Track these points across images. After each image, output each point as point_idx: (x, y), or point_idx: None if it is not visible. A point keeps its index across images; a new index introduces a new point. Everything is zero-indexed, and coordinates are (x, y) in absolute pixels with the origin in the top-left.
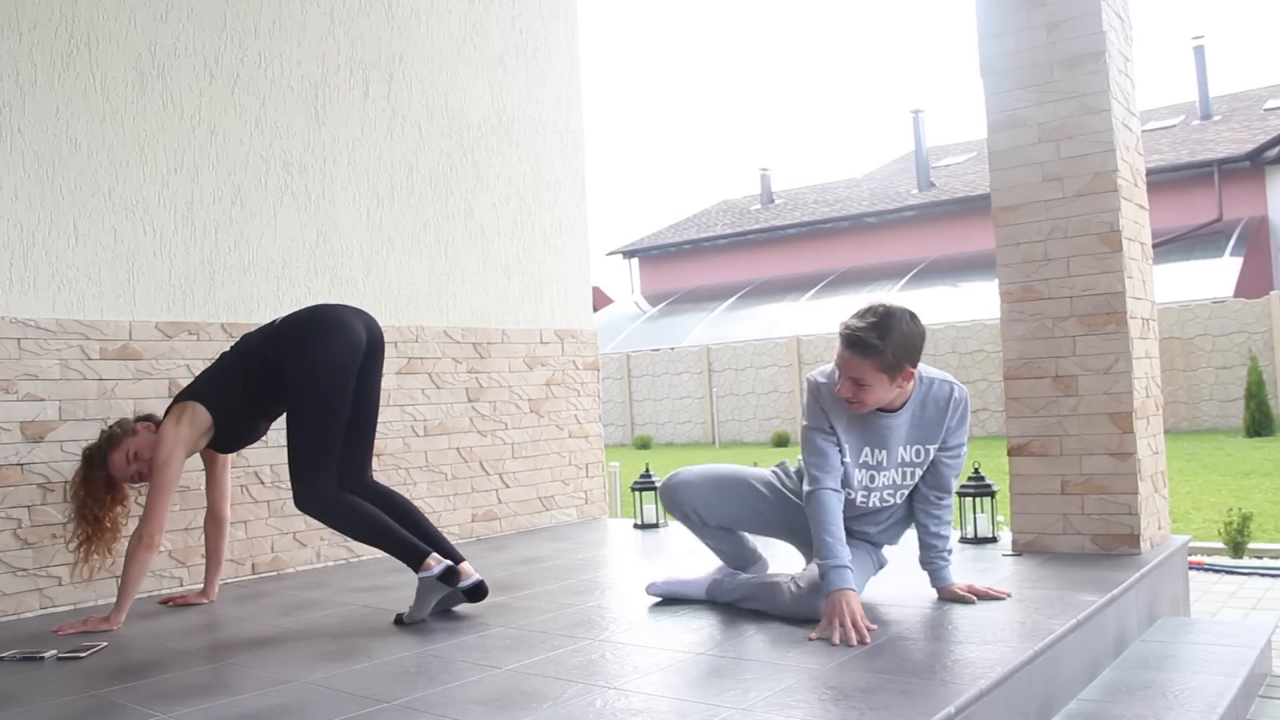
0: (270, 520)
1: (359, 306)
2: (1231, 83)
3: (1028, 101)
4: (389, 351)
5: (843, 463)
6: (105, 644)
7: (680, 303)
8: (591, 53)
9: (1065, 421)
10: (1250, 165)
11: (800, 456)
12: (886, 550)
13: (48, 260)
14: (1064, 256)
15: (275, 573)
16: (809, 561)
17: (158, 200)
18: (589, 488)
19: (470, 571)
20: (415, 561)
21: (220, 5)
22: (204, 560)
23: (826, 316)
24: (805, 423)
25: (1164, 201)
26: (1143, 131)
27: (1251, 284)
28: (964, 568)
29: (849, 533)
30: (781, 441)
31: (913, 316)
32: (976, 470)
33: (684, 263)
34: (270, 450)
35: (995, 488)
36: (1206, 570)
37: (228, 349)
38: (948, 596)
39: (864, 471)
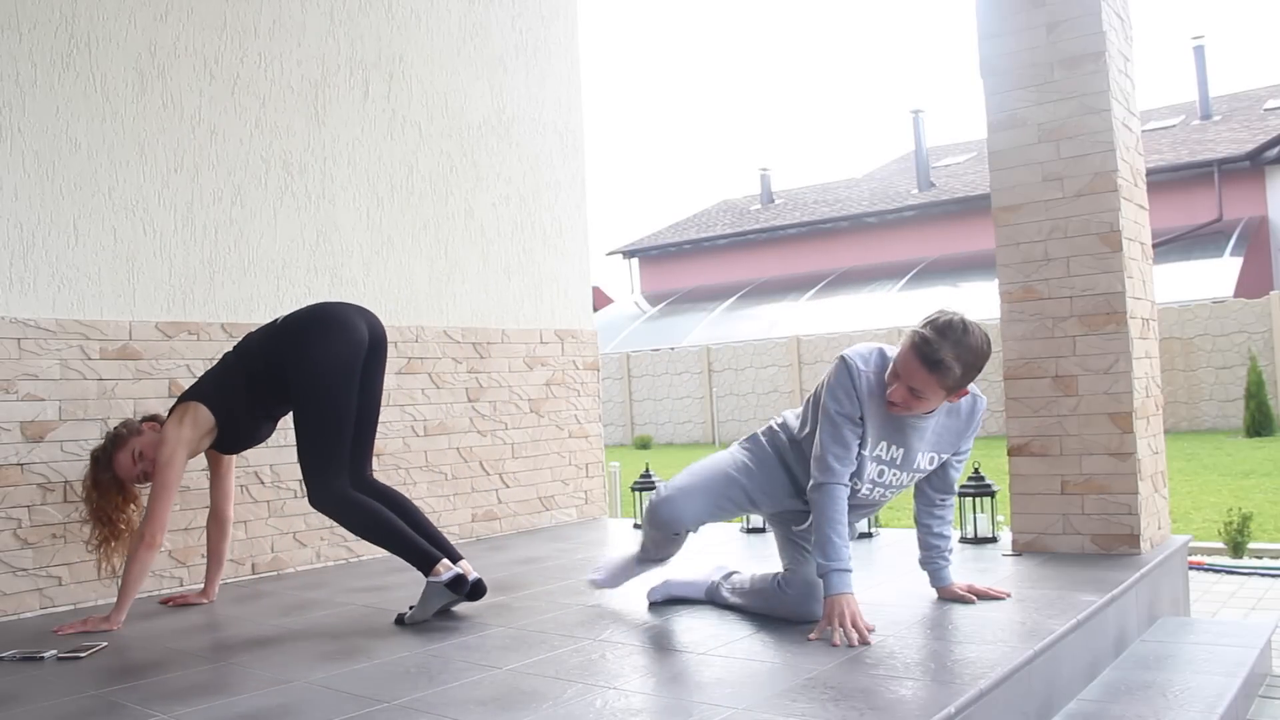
0: (270, 520)
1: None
2: (1231, 83)
3: (1028, 101)
4: (389, 351)
5: (860, 454)
6: (105, 644)
7: (680, 303)
8: (591, 53)
9: (1065, 421)
10: (1250, 165)
11: (799, 419)
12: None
13: (48, 260)
14: (1064, 256)
15: (275, 573)
16: (785, 559)
17: (158, 200)
18: (589, 488)
19: (469, 570)
20: (426, 566)
21: (220, 5)
22: (204, 560)
23: (826, 316)
24: (835, 407)
25: (1164, 201)
26: (1143, 131)
27: (1251, 284)
28: (964, 568)
29: None
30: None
31: (987, 337)
32: (976, 470)
33: (684, 263)
34: (270, 450)
35: (995, 488)
36: (1206, 570)
37: (230, 350)
38: (948, 596)
39: (876, 465)
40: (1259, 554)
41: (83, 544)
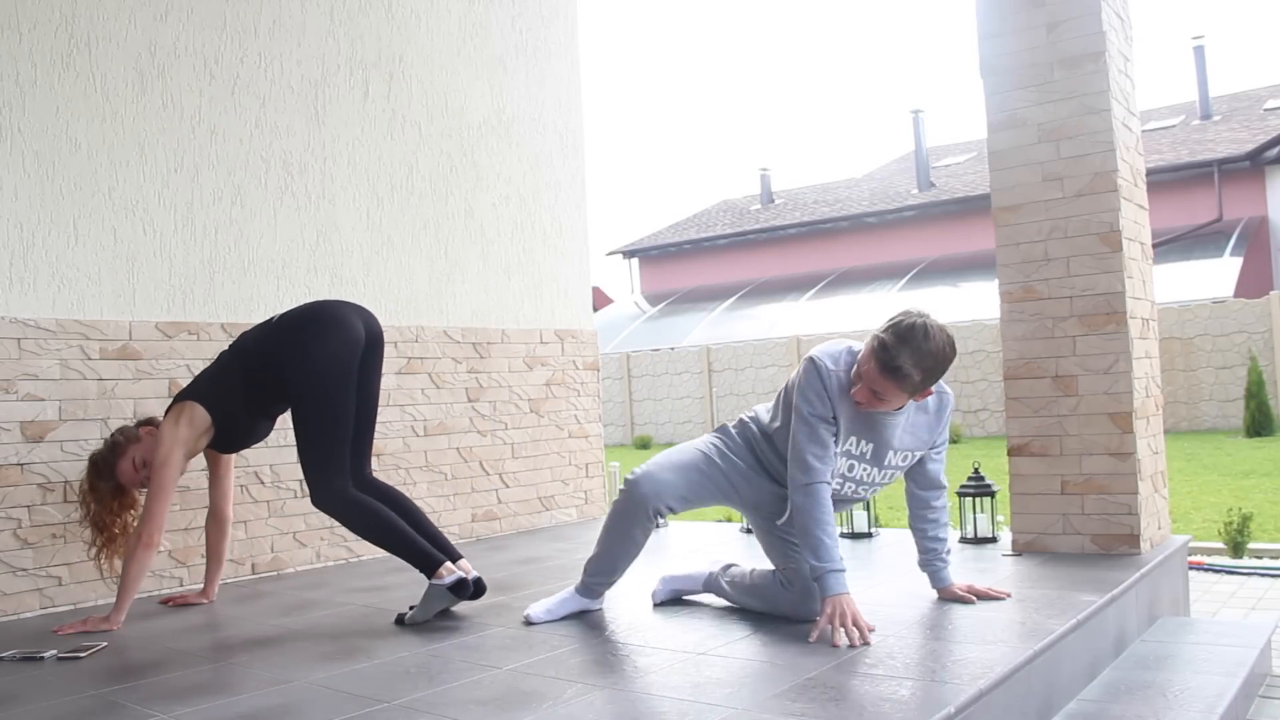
0: (270, 520)
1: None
2: (1231, 83)
3: (1028, 101)
4: (389, 351)
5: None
6: (105, 644)
7: (680, 303)
8: (591, 53)
9: (1065, 421)
10: (1250, 165)
11: (770, 413)
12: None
13: (48, 260)
14: (1064, 256)
15: (275, 573)
16: (776, 557)
17: (158, 200)
18: (589, 488)
19: (469, 569)
20: (428, 569)
21: (220, 5)
22: (204, 560)
23: (826, 316)
24: (807, 408)
25: (1164, 201)
26: (1143, 131)
27: (1251, 284)
28: (964, 568)
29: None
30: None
31: (950, 340)
32: (976, 470)
33: (684, 263)
34: (270, 450)
35: (995, 488)
36: (1206, 570)
37: (226, 349)
38: (948, 597)
39: (846, 460)
40: (1259, 554)
41: (83, 544)
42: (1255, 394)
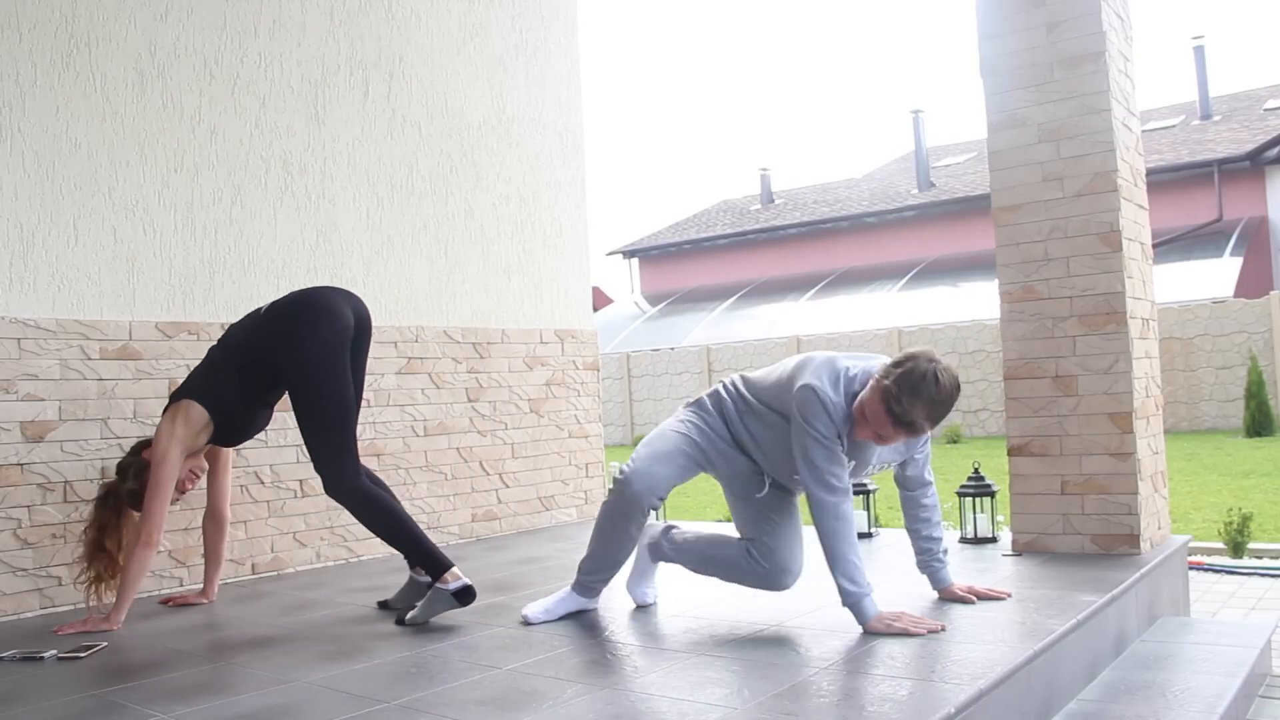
0: (270, 520)
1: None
2: (1231, 83)
3: (1028, 101)
4: (389, 351)
5: None
6: (105, 644)
7: (680, 303)
8: (591, 53)
9: (1065, 421)
10: (1250, 165)
11: (763, 379)
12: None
13: (48, 260)
14: (1064, 256)
15: (275, 573)
16: (749, 528)
17: (158, 200)
18: (589, 488)
19: (459, 575)
20: (436, 571)
21: (220, 5)
22: (204, 560)
23: (826, 316)
24: (822, 432)
25: (1164, 201)
26: (1143, 131)
27: (1251, 284)
28: (964, 568)
29: (783, 488)
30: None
31: (956, 380)
32: (976, 470)
33: (684, 263)
34: (270, 450)
35: (995, 488)
36: (1206, 570)
37: (214, 345)
38: (948, 597)
39: None
40: (1259, 554)
41: (82, 543)
42: (1255, 394)
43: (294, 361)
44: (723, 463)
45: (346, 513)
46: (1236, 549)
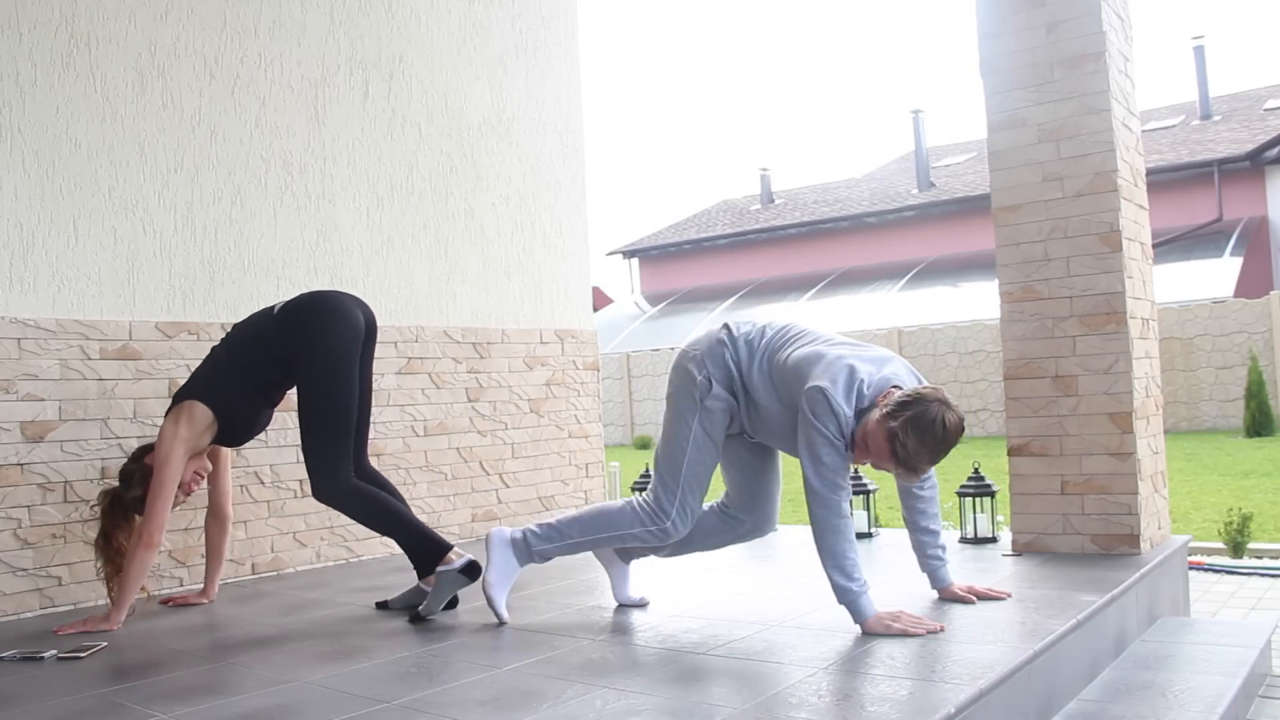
0: (270, 520)
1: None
2: (1231, 83)
3: (1028, 101)
4: (389, 351)
5: None
6: (105, 644)
7: (680, 303)
8: (591, 53)
9: (1065, 421)
10: (1250, 165)
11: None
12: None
13: (48, 260)
14: (1064, 256)
15: (275, 573)
16: (738, 474)
17: (158, 200)
18: (589, 488)
19: (460, 553)
20: (437, 555)
21: (220, 5)
22: (204, 560)
23: (826, 316)
24: (832, 432)
25: (1164, 201)
26: (1143, 131)
27: (1251, 284)
28: (964, 568)
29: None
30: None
31: (960, 421)
32: (976, 470)
33: (684, 263)
34: (270, 450)
35: (995, 488)
36: (1206, 570)
37: (217, 345)
38: (948, 597)
39: None
40: (1259, 554)
41: (83, 543)
42: (1255, 394)
43: (305, 361)
44: (724, 442)
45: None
46: (1236, 549)
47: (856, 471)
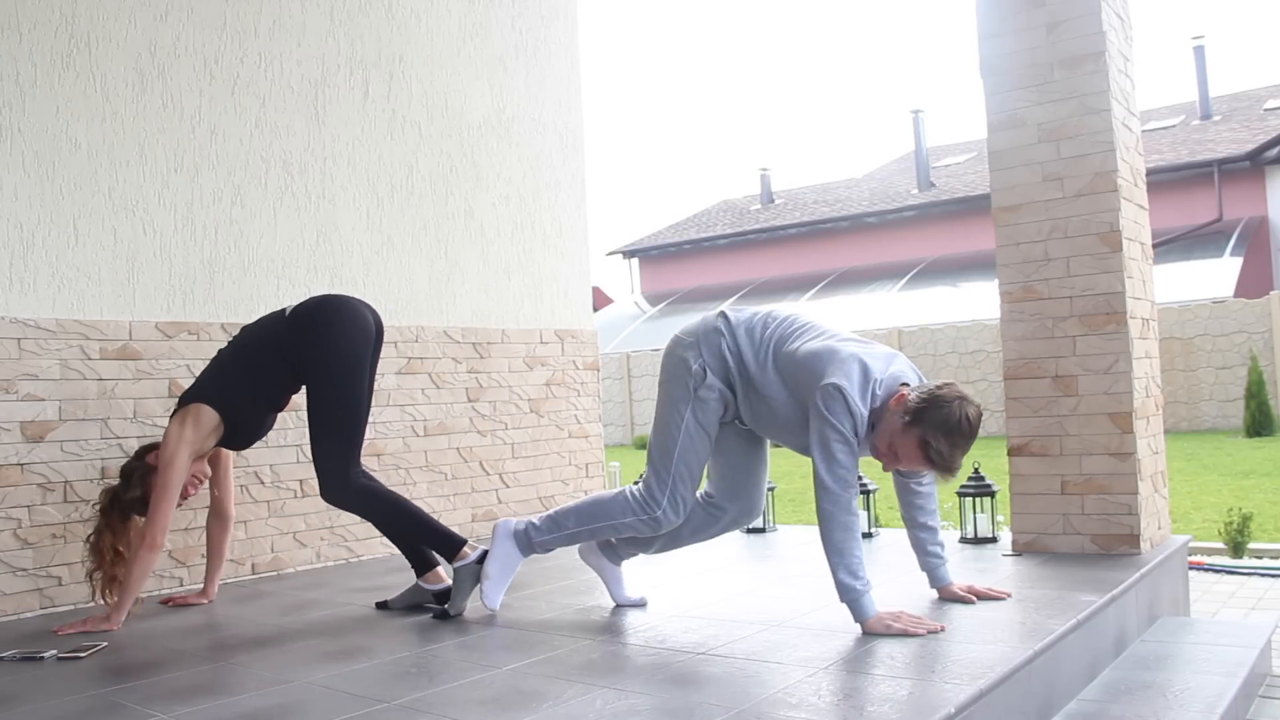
0: (270, 520)
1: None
2: (1231, 83)
3: (1028, 101)
4: (389, 351)
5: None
6: (105, 644)
7: (680, 303)
8: (591, 53)
9: (1065, 421)
10: (1250, 165)
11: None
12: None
13: (48, 260)
14: (1064, 256)
15: (275, 573)
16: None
17: (158, 200)
18: (589, 488)
19: (475, 546)
20: (451, 550)
21: (220, 5)
22: (204, 560)
23: (826, 317)
24: (844, 430)
25: (1164, 201)
26: (1143, 131)
27: (1251, 284)
28: (964, 568)
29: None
30: (779, 443)
31: (979, 413)
32: (976, 470)
33: (684, 263)
34: (270, 450)
35: (995, 488)
36: (1206, 570)
37: (224, 347)
38: (947, 597)
39: None
40: (1259, 554)
41: (83, 543)
42: (1255, 394)
43: (318, 362)
44: (717, 432)
45: (346, 513)
46: (1236, 549)
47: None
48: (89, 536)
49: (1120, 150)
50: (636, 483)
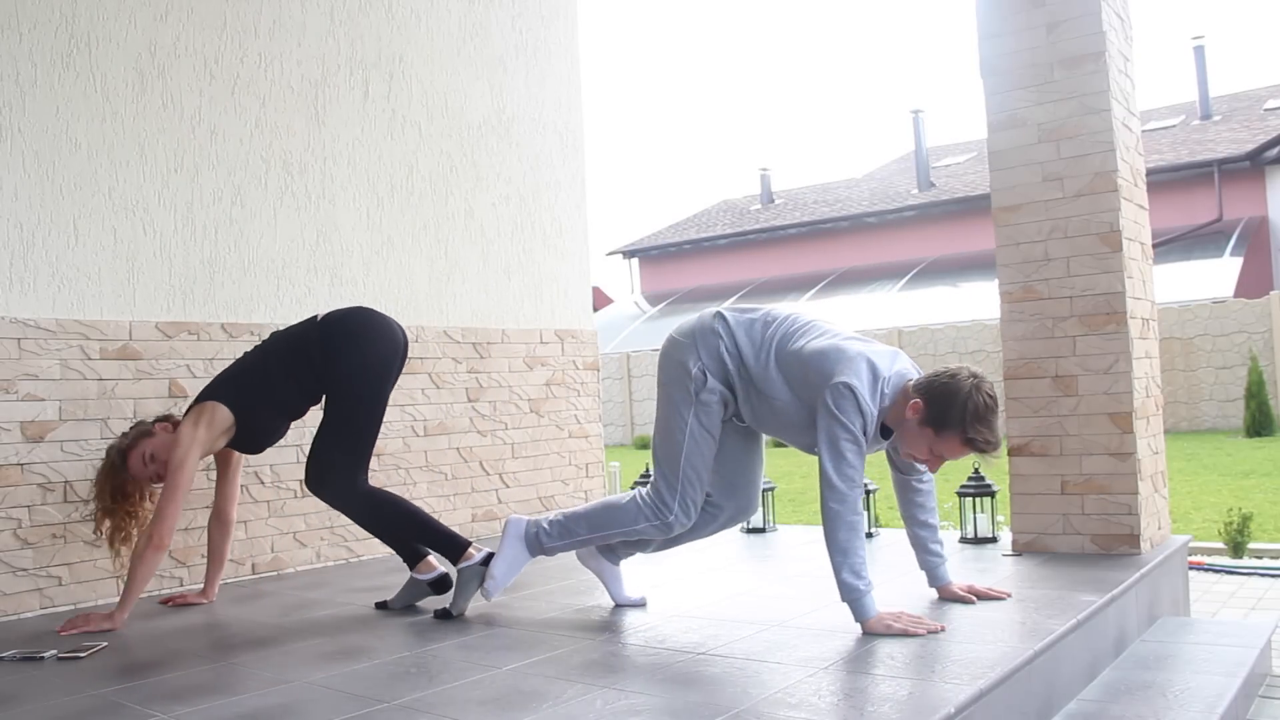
0: (270, 520)
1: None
2: (1231, 83)
3: (1028, 101)
4: None
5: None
6: (105, 644)
7: (680, 303)
8: (591, 53)
9: (1065, 421)
10: (1250, 165)
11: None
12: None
13: (48, 260)
14: (1064, 256)
15: (275, 573)
16: (728, 463)
17: (158, 200)
18: (589, 488)
19: (479, 548)
20: (455, 552)
21: (220, 5)
22: (204, 560)
23: (826, 317)
24: (857, 427)
25: (1164, 201)
26: (1143, 131)
27: (1251, 284)
28: (964, 568)
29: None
30: (781, 440)
31: (992, 385)
32: (976, 470)
33: (684, 263)
34: (270, 450)
35: (995, 488)
36: (1206, 570)
37: (251, 349)
38: (947, 596)
39: None
40: (1259, 554)
41: (83, 543)
42: (1255, 394)
43: (350, 370)
44: (719, 433)
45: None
46: (1236, 549)
47: None
48: (97, 490)
49: (1120, 150)
50: (638, 484)
